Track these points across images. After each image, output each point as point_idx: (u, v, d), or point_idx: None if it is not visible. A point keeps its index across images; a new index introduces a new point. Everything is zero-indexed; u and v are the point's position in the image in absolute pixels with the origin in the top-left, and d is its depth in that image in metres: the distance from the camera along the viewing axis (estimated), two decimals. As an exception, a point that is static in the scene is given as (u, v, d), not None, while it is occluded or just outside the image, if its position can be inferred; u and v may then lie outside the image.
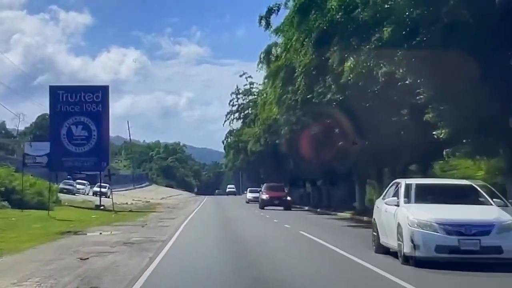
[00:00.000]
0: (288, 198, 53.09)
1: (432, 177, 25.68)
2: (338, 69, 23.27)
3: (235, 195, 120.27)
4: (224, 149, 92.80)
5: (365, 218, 35.59)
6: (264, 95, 46.01)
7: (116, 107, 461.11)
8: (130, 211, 50.02)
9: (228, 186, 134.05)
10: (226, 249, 18.79)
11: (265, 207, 50.71)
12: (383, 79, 21.48)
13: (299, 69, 26.36)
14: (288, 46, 27.18)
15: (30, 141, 56.02)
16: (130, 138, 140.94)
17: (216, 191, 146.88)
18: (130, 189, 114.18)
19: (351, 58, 21.02)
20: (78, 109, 51.67)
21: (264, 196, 52.81)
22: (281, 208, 50.33)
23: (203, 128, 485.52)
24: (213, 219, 34.94)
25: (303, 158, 45.26)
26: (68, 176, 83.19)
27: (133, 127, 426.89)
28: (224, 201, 77.26)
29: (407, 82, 20.88)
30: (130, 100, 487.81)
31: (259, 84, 65.98)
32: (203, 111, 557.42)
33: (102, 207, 51.18)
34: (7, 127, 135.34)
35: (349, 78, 22.22)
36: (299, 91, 28.43)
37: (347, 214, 41.14)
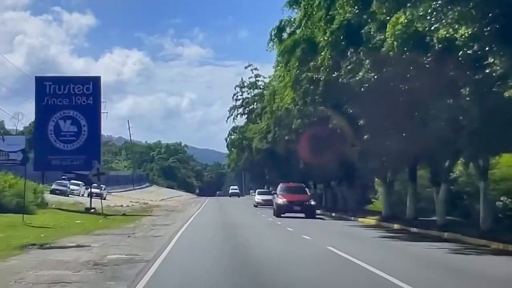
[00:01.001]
0: (312, 202, 40.25)
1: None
2: (376, 37, 17.87)
3: (238, 196, 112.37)
4: (227, 147, 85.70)
5: (395, 226, 30.33)
6: (274, 83, 39.99)
7: (119, 108, 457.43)
8: (124, 214, 44.58)
9: (231, 187, 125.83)
10: (232, 275, 13.25)
11: (282, 215, 38.67)
12: (439, 46, 15.96)
13: (325, 38, 20.85)
14: (308, 13, 21.69)
15: (2, 134, 50.68)
16: (130, 138, 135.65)
17: (217, 192, 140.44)
18: (130, 190, 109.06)
19: (402, 15, 15.56)
20: (67, 102, 46.43)
21: (281, 200, 39.45)
22: (302, 215, 38.86)
23: (205, 129, 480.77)
24: (215, 227, 29.08)
25: (316, 156, 39.64)
26: (63, 177, 77.70)
27: (135, 128, 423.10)
28: (227, 204, 71.50)
29: (470, 52, 15.39)
30: (132, 101, 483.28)
31: (265, 78, 60.47)
32: (205, 112, 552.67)
33: (92, 210, 45.67)
34: (6, 127, 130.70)
35: (391, 48, 16.75)
36: (323, 68, 22.80)
37: (370, 220, 35.33)
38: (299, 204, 39.05)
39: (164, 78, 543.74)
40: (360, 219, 36.29)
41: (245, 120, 71.36)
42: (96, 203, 48.88)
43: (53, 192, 66.01)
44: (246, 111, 69.64)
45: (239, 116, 71.37)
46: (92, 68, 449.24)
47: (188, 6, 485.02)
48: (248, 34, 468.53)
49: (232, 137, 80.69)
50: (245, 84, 69.11)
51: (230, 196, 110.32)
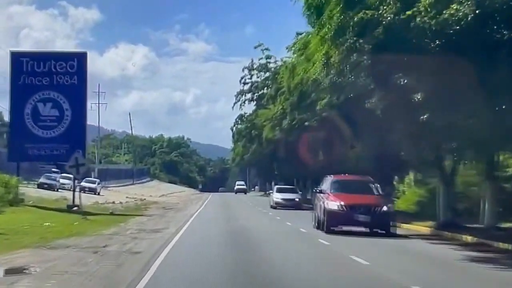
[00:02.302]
0: (386, 208, 23.56)
1: None
2: None
3: (245, 193, 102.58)
4: (233, 137, 75.66)
5: (468, 239, 21.90)
6: (293, 57, 31.89)
7: (123, 103, 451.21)
8: (111, 213, 37.38)
9: (237, 183, 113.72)
10: None
11: (332, 227, 23.55)
12: None
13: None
14: None
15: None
16: (132, 131, 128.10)
17: (220, 188, 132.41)
18: (129, 185, 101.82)
19: None
20: (47, 82, 39.16)
21: (335, 205, 23.46)
22: (364, 228, 23.82)
23: (209, 125, 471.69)
24: (221, 239, 21.05)
25: (341, 146, 32.22)
26: (54, 170, 70.31)
27: (140, 123, 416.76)
28: (233, 201, 63.81)
29: None
30: (137, 96, 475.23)
31: (277, 61, 51.94)
32: (209, 108, 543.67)
33: (75, 208, 38.33)
34: (5, 118, 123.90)
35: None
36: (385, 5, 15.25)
37: (421, 228, 27.06)
38: (366, 210, 23.02)
39: (169, 73, 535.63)
40: (404, 226, 27.58)
41: (254, 107, 62.61)
42: (86, 198, 41.61)
43: (40, 186, 59.09)
44: (255, 97, 60.96)
45: (247, 102, 62.73)
46: (97, 62, 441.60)
47: (195, 1, 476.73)
48: (253, 31, 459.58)
49: (239, 126, 71.27)
50: (255, 66, 60.58)
51: (236, 193, 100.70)
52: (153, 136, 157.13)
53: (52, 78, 39.07)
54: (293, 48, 32.52)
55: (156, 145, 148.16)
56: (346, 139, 30.46)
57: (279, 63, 49.65)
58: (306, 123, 35.16)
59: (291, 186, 52.07)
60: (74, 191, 40.02)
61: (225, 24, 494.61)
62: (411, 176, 55.93)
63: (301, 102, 32.63)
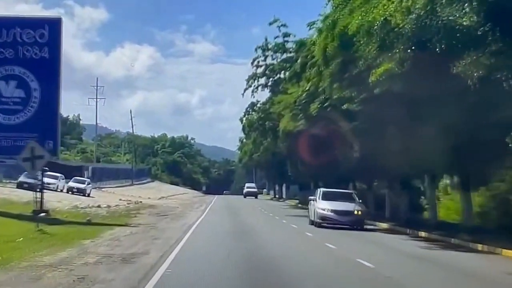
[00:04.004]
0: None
1: None
2: None
3: (256, 197, 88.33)
4: (243, 129, 64.07)
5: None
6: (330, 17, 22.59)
7: (128, 103, 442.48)
8: (88, 221, 28.77)
9: (247, 185, 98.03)
10: None
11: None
12: None
13: None
14: None
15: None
16: (132, 130, 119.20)
17: (224, 191, 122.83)
18: (127, 186, 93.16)
19: None
20: (11, 55, 30.82)
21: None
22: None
23: (214, 126, 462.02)
24: (237, 277, 12.33)
25: (399, 140, 23.45)
26: (45, 168, 61.46)
27: (145, 124, 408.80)
28: (242, 207, 54.62)
29: None
30: (142, 97, 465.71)
31: (295, 38, 42.07)
32: (215, 110, 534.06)
33: (43, 214, 29.63)
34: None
35: None
36: None
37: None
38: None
39: (175, 74, 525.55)
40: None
41: (269, 93, 52.60)
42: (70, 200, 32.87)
43: (20, 186, 50.96)
44: (270, 82, 51.04)
45: (260, 88, 52.67)
46: (103, 62, 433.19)
47: (201, 2, 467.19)
48: (260, 32, 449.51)
49: (250, 116, 58.92)
50: (269, 47, 50.77)
51: (245, 197, 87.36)
52: (156, 135, 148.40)
53: (17, 50, 30.55)
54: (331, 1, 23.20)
55: (158, 145, 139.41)
56: (409, 131, 21.39)
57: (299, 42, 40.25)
58: (344, 106, 25.41)
59: (346, 191, 33.76)
60: (42, 194, 31.10)
61: (231, 25, 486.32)
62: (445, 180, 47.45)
63: (343, 73, 22.72)
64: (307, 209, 32.94)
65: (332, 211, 28.52)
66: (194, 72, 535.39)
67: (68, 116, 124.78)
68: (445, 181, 46.04)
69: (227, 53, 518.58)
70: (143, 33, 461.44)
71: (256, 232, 26.08)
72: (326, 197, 29.73)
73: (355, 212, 28.52)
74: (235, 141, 62.78)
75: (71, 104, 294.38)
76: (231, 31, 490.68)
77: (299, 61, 28.80)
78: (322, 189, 31.01)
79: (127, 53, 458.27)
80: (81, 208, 37.85)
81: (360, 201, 29.32)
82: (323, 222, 28.73)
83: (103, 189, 76.72)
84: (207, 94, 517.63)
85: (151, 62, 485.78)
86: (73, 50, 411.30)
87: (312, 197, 30.80)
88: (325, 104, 26.50)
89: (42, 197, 30.93)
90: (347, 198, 30.15)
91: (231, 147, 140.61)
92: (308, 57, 27.84)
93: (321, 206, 29.04)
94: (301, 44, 32.96)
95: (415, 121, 20.42)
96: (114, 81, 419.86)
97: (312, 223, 30.23)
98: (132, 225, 28.00)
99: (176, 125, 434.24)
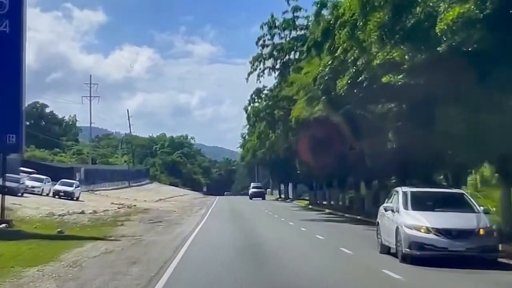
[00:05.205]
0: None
1: None
2: None
3: (263, 198, 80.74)
4: (247, 119, 54.53)
5: None
6: None
7: (128, 105, 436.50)
8: (58, 233, 22.93)
9: (253, 184, 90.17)
10: None
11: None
12: None
13: None
14: None
15: None
16: (130, 130, 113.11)
17: (225, 192, 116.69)
18: (123, 188, 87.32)
19: None
20: (-38, 30, 24.60)
21: None
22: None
23: (214, 127, 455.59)
24: None
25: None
26: (21, 168, 55.54)
27: (145, 125, 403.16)
28: (247, 209, 48.43)
29: None
30: (141, 98, 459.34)
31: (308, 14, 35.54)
32: (215, 110, 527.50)
33: (2, 226, 23.69)
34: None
35: None
36: None
37: None
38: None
39: (174, 75, 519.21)
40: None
41: (277, 77, 45.43)
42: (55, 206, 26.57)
43: (-1, 190, 44.51)
44: (278, 65, 44.01)
45: (266, 72, 45.84)
46: (102, 64, 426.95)
47: (200, 3, 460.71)
48: (260, 32, 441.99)
49: (256, 104, 50.64)
50: (277, 24, 43.92)
51: (250, 198, 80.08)
52: (154, 135, 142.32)
53: (-30, 24, 24.65)
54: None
55: (157, 145, 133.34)
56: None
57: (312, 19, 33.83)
58: (384, 79, 18.16)
59: (450, 190, 19.05)
60: (3, 202, 25.01)
61: (230, 26, 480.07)
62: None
63: (393, 25, 15.60)
64: (321, 211, 24.67)
65: (438, 231, 15.46)
66: (194, 73, 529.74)
67: (64, 117, 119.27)
68: (475, 176, 40.33)
69: (226, 53, 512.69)
70: (142, 35, 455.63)
71: (275, 251, 18.46)
72: (418, 203, 16.70)
73: (480, 232, 15.66)
74: (235, 142, 58.23)
75: (69, 104, 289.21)
76: (230, 31, 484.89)
77: (320, 26, 22.84)
78: (409, 190, 17.60)
79: (126, 55, 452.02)
80: (59, 215, 31.81)
81: (482, 207, 16.69)
82: (421, 253, 15.48)
83: (96, 192, 70.88)
84: (207, 94, 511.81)
85: (151, 64, 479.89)
86: (71, 52, 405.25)
87: (388, 206, 17.69)
88: (359, 79, 19.73)
89: (3, 204, 25.00)
90: (457, 204, 16.87)
91: (231, 148, 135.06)
92: (331, 21, 21.71)
93: (413, 222, 15.84)
94: (322, 4, 26.77)
95: (496, 90, 14.23)
96: (114, 83, 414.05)
97: (388, 250, 17.23)
98: (111, 238, 22.00)
99: (176, 126, 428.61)
